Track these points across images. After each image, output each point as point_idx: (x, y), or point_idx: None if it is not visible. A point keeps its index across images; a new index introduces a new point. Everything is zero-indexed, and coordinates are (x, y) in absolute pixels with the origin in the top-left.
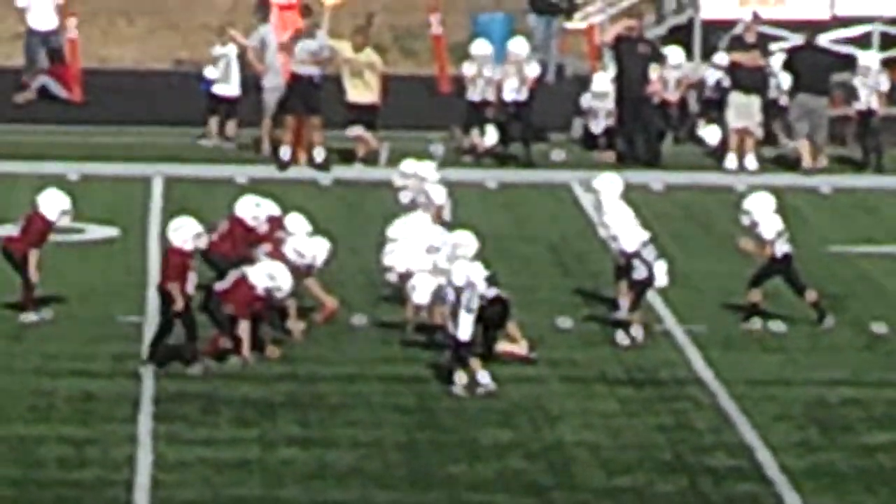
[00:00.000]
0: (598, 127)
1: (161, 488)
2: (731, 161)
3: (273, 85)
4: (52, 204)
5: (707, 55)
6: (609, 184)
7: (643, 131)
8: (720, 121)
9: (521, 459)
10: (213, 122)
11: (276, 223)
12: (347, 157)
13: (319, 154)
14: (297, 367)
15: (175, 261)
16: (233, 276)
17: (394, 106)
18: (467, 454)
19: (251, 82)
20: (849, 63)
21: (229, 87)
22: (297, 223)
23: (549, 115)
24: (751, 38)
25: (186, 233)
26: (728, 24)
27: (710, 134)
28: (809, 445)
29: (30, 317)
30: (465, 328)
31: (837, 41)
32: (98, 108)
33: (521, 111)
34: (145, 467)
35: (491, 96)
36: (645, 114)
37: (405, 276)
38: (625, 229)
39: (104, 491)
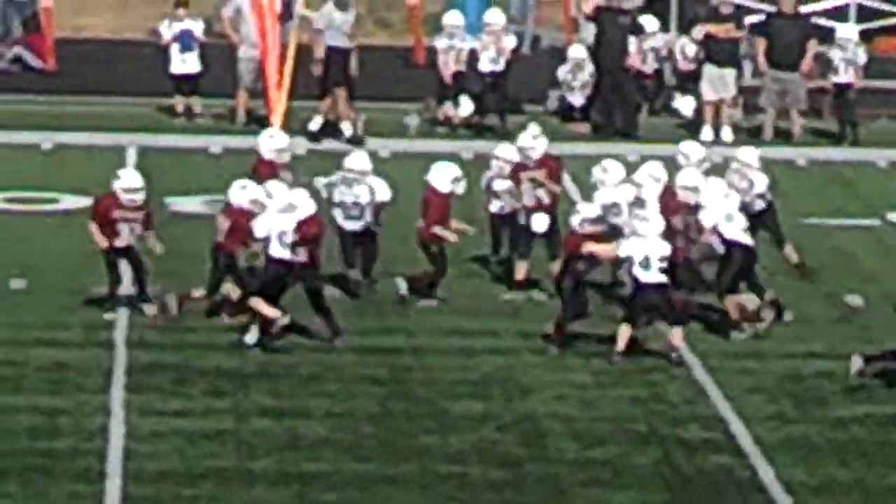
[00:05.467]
0: (575, 99)
1: (133, 458)
2: (706, 133)
3: (248, 56)
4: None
5: (683, 26)
6: (694, 151)
7: (622, 103)
8: (695, 92)
9: (493, 431)
10: (180, 101)
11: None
12: (323, 127)
13: (348, 128)
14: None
15: None
16: None
17: (369, 77)
18: (440, 425)
19: (227, 53)
20: (826, 36)
21: (189, 65)
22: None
23: (525, 87)
24: (726, 10)
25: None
26: None
27: (685, 105)
28: (783, 418)
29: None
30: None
31: (815, 13)
32: (72, 77)
33: (498, 82)
34: (118, 437)
35: (464, 67)
36: (624, 85)
37: None
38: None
39: (76, 461)
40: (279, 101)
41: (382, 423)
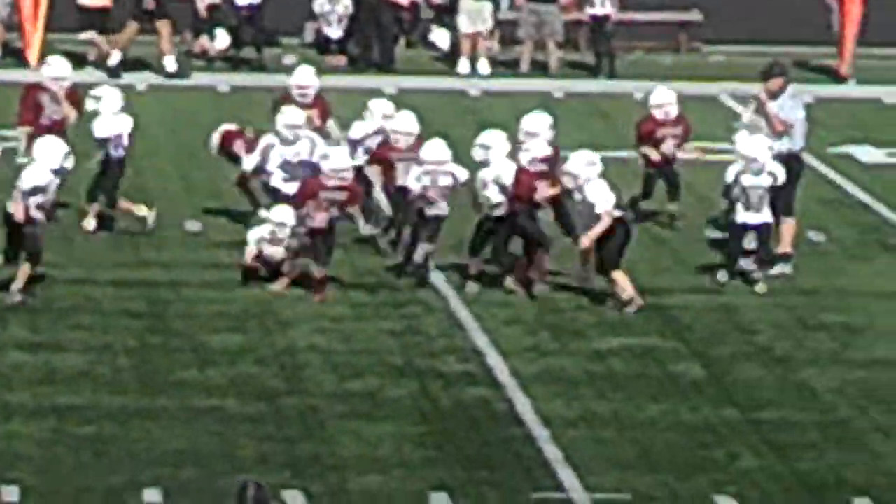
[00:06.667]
0: (332, 31)
1: None
2: (463, 66)
3: None
4: None
5: None
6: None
7: (379, 35)
8: (452, 25)
9: (252, 364)
10: None
11: None
12: (79, 60)
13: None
14: None
15: None
16: None
17: (126, 11)
18: (198, 359)
19: None
20: None
21: None
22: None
23: (281, 19)
24: None
25: None
26: None
27: (441, 38)
28: (540, 350)
29: None
30: None
31: None
32: None
33: (254, 15)
34: None
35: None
36: (381, 17)
37: None
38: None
39: None
40: (35, 34)
41: (140, 357)
